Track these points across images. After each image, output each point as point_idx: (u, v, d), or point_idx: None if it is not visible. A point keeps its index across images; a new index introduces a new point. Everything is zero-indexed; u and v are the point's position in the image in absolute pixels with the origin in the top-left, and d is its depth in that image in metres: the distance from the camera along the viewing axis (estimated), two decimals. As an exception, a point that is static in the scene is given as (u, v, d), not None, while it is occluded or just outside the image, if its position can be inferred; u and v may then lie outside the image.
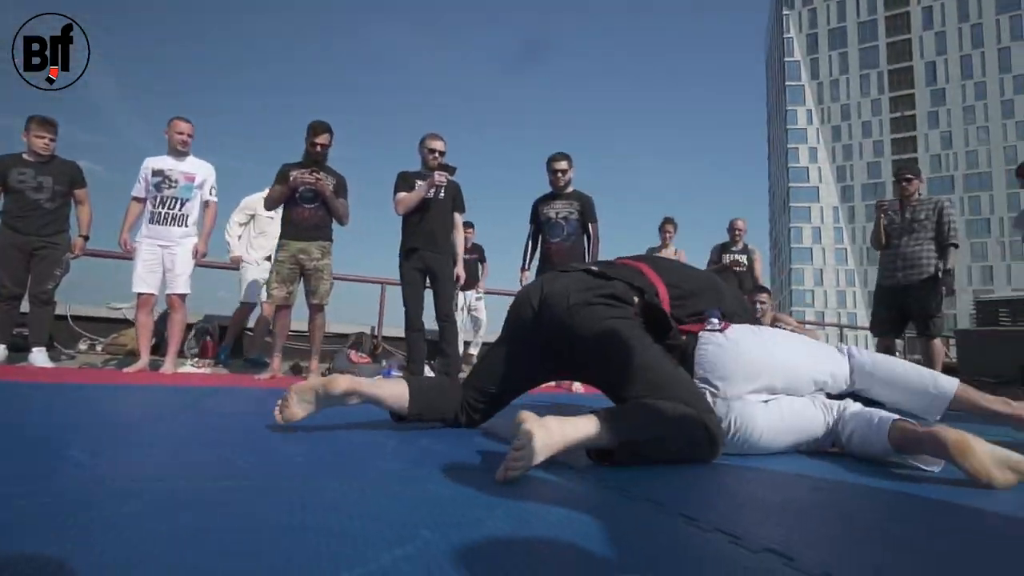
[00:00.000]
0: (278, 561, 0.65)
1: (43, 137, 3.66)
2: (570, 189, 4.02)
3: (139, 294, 3.63)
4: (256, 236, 4.77)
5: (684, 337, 1.57)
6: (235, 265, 4.80)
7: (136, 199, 3.69)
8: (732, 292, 1.90)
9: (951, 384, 1.48)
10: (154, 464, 1.17)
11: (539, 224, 4.06)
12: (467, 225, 5.77)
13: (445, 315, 3.82)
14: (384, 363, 4.29)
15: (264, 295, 4.41)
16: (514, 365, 1.65)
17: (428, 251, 3.80)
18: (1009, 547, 0.86)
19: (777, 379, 1.48)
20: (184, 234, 3.72)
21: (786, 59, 77.06)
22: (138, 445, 1.37)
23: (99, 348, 4.91)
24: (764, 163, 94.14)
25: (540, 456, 1.11)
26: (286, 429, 1.57)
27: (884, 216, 4.27)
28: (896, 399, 1.54)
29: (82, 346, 4.94)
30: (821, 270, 73.05)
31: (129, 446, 1.35)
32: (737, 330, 1.56)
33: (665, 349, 1.50)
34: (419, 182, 3.79)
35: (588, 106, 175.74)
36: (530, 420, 1.15)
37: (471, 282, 6.06)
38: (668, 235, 5.68)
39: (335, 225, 3.90)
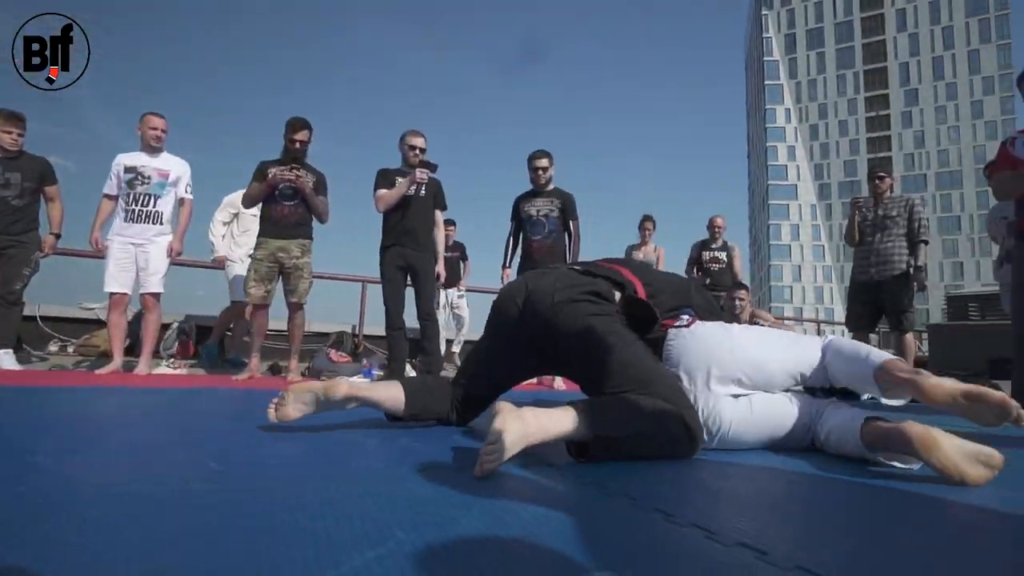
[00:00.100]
0: (246, 565, 0.64)
1: (10, 132, 3.56)
2: (551, 187, 4.03)
3: (111, 294, 3.55)
4: (240, 234, 4.68)
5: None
6: (219, 266, 4.71)
7: (108, 196, 3.60)
8: (701, 291, 1.92)
9: (880, 356, 1.45)
10: (123, 468, 1.14)
11: (520, 222, 4.06)
12: (448, 223, 5.75)
13: (426, 313, 3.80)
14: (364, 362, 4.25)
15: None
16: (498, 362, 1.67)
17: (409, 249, 3.77)
18: (977, 539, 0.88)
19: (742, 373, 1.49)
20: (158, 232, 3.65)
21: (765, 58, 78.10)
22: (107, 448, 1.34)
23: (70, 349, 4.79)
24: (744, 161, 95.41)
25: (515, 448, 1.11)
26: (266, 429, 1.55)
27: (858, 213, 4.37)
28: (842, 369, 1.51)
29: (53, 347, 4.82)
30: (799, 266, 74.33)
31: (98, 450, 1.32)
32: (705, 326, 1.58)
33: (646, 345, 1.51)
34: (400, 179, 3.76)
35: (568, 104, 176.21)
36: (506, 411, 1.15)
37: (453, 280, 6.04)
38: (647, 232, 5.73)
39: (315, 223, 3.85)
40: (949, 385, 1.29)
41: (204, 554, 0.67)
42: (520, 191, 4.16)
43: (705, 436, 1.45)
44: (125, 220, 3.58)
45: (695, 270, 5.75)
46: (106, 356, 4.12)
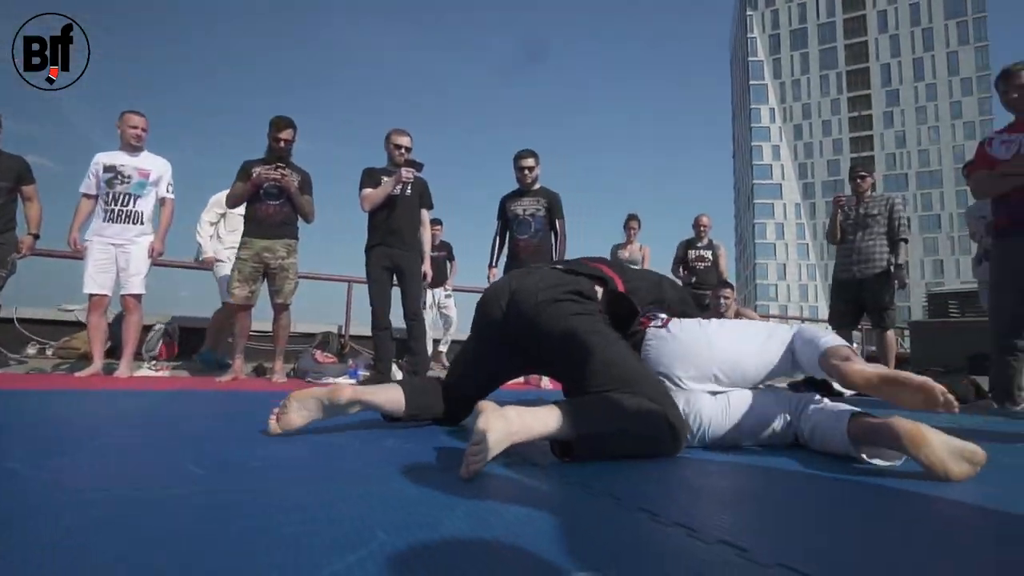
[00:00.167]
0: (221, 571, 0.63)
1: (-15, 131, 3.48)
2: (537, 186, 4.03)
3: (91, 295, 3.48)
4: (228, 234, 4.61)
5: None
6: (208, 266, 4.64)
7: (86, 196, 3.54)
8: (674, 286, 1.94)
9: (827, 343, 1.45)
10: (100, 473, 1.12)
11: (507, 221, 4.06)
12: (435, 222, 5.73)
13: (413, 313, 3.78)
14: (350, 362, 4.22)
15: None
16: (485, 362, 1.69)
17: (395, 248, 3.75)
18: (958, 535, 0.89)
19: (719, 370, 1.50)
20: (139, 232, 3.59)
21: (750, 59, 78.84)
22: (85, 453, 1.31)
23: (49, 352, 4.70)
24: (729, 160, 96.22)
25: (499, 447, 1.11)
26: (249, 431, 1.53)
27: (840, 211, 4.42)
28: (803, 358, 1.51)
29: (31, 350, 4.73)
30: (784, 265, 75.17)
31: (75, 455, 1.29)
32: (681, 324, 1.59)
33: (629, 344, 1.52)
34: (385, 178, 3.74)
35: (555, 103, 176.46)
36: (489, 411, 1.15)
37: (440, 280, 6.02)
38: (632, 231, 5.76)
39: (300, 223, 3.82)
40: (869, 371, 1.31)
41: (178, 561, 0.66)
42: (507, 190, 4.16)
43: (689, 434, 1.46)
44: (104, 220, 3.52)
45: (681, 268, 5.79)
46: (86, 359, 4.04)
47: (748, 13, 79.47)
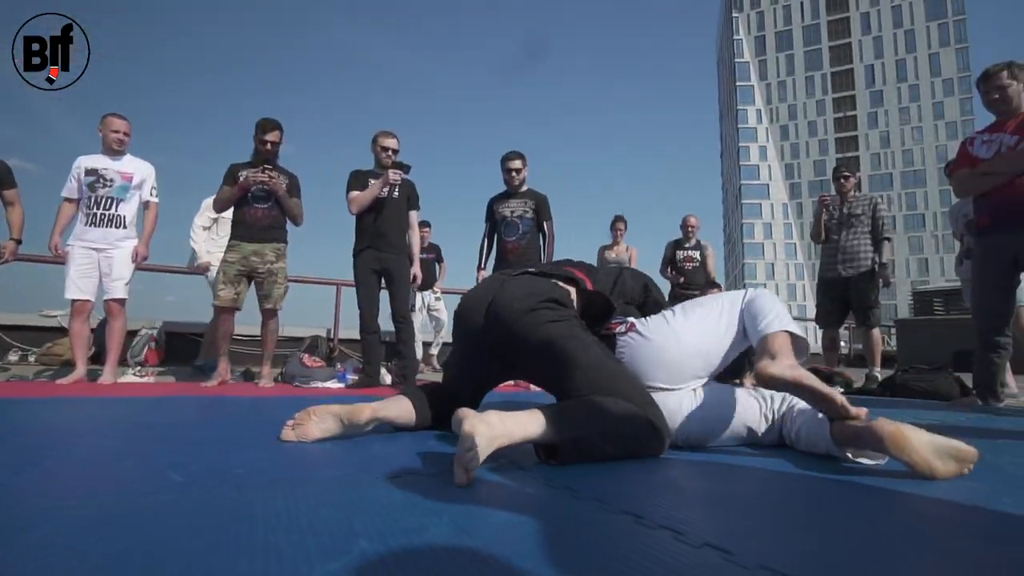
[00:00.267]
0: (200, 583, 0.61)
1: (-36, 135, 3.42)
2: (525, 188, 4.03)
3: (73, 300, 3.43)
4: (222, 238, 4.56)
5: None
6: (202, 271, 4.58)
7: (67, 200, 3.48)
8: (634, 276, 1.93)
9: (767, 328, 1.42)
10: (78, 482, 1.10)
11: (494, 223, 4.06)
12: (423, 224, 5.71)
13: (401, 316, 3.76)
14: (338, 366, 4.19)
15: None
16: (470, 370, 1.70)
17: (383, 251, 3.74)
18: (945, 534, 0.89)
19: (690, 362, 1.51)
20: (122, 236, 3.53)
21: (736, 60, 79.54)
22: (66, 462, 1.29)
23: (31, 359, 4.63)
24: (717, 161, 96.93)
25: (487, 451, 1.10)
26: (235, 437, 1.51)
27: (825, 211, 4.47)
28: (749, 330, 1.49)
29: (12, 357, 4.65)
30: (772, 264, 75.86)
31: (52, 464, 1.27)
32: (647, 324, 1.59)
33: (606, 346, 1.54)
34: (373, 180, 3.72)
35: (542, 104, 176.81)
36: (471, 416, 1.14)
37: (429, 282, 6.00)
38: (619, 232, 5.79)
39: (289, 226, 3.78)
40: (776, 373, 1.29)
41: (154, 571, 0.64)
42: (495, 192, 4.15)
43: (673, 436, 1.47)
44: (86, 224, 3.46)
45: (669, 269, 5.82)
46: (69, 365, 3.98)
47: (734, 15, 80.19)
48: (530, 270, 1.70)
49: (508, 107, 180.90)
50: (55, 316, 4.99)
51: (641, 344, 1.54)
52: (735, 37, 79.95)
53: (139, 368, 4.18)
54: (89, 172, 3.46)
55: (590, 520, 0.90)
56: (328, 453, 1.41)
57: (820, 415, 1.38)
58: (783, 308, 1.50)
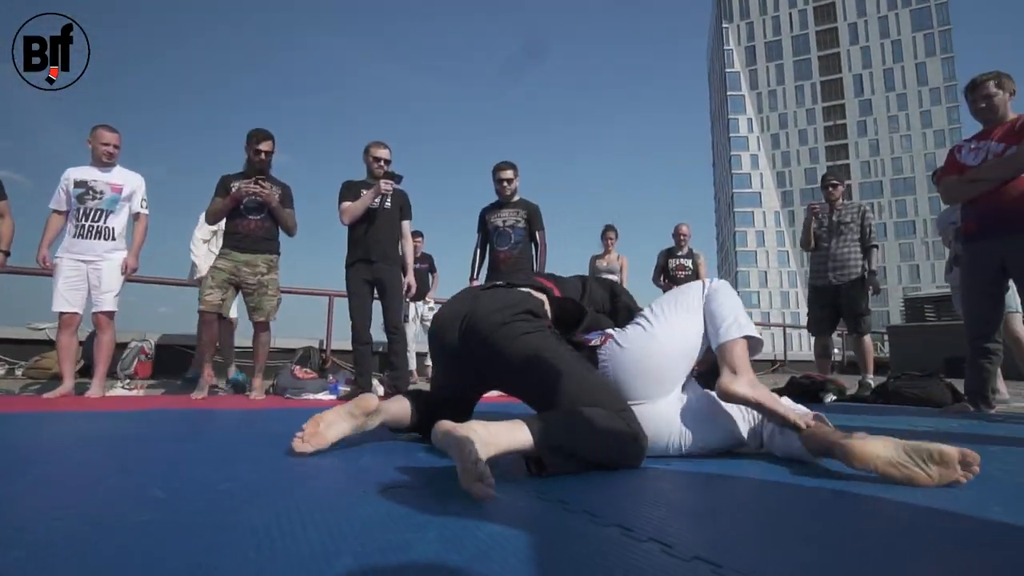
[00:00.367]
0: (175, 605, 0.60)
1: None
2: (517, 198, 4.04)
3: (61, 313, 3.39)
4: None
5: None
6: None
7: (56, 212, 3.44)
8: (599, 283, 1.94)
9: (725, 335, 1.44)
10: (57, 500, 1.07)
11: (487, 233, 4.06)
12: (416, 234, 5.71)
13: (394, 327, 3.75)
14: (330, 377, 4.16)
15: (232, 311, 4.14)
16: (450, 384, 1.71)
17: (375, 262, 3.73)
18: (935, 543, 0.89)
19: (673, 366, 1.50)
20: (110, 248, 3.50)
21: (727, 70, 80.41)
22: (43, 478, 1.26)
23: (19, 372, 4.57)
24: (709, 169, 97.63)
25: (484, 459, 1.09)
26: (224, 450, 1.49)
27: (814, 219, 4.51)
28: (710, 332, 1.52)
29: (-1, 371, 4.59)
30: (766, 272, 76.25)
31: (32, 480, 1.24)
32: (625, 334, 1.57)
33: (579, 353, 1.54)
34: (364, 191, 3.72)
35: (533, 113, 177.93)
36: (458, 427, 1.13)
37: (422, 292, 5.99)
38: (610, 241, 5.82)
39: (282, 237, 3.76)
40: (737, 391, 1.37)
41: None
42: (488, 202, 4.16)
43: (664, 445, 1.47)
44: (75, 236, 3.42)
45: (662, 277, 5.84)
46: (57, 379, 3.93)
47: (724, 25, 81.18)
48: (499, 283, 1.71)
49: (500, 117, 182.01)
50: (43, 329, 4.93)
51: (622, 355, 1.51)
52: (725, 47, 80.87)
53: (128, 381, 4.13)
54: (78, 184, 3.43)
55: (579, 533, 0.88)
56: (316, 466, 1.39)
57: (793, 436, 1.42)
58: (738, 303, 1.53)
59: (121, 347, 4.59)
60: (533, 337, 1.46)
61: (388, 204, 3.79)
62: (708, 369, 1.57)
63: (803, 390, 3.87)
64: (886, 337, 10.92)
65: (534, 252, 4.01)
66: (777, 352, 10.98)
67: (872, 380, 4.27)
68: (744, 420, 1.53)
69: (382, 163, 3.81)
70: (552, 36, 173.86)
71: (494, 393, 1.93)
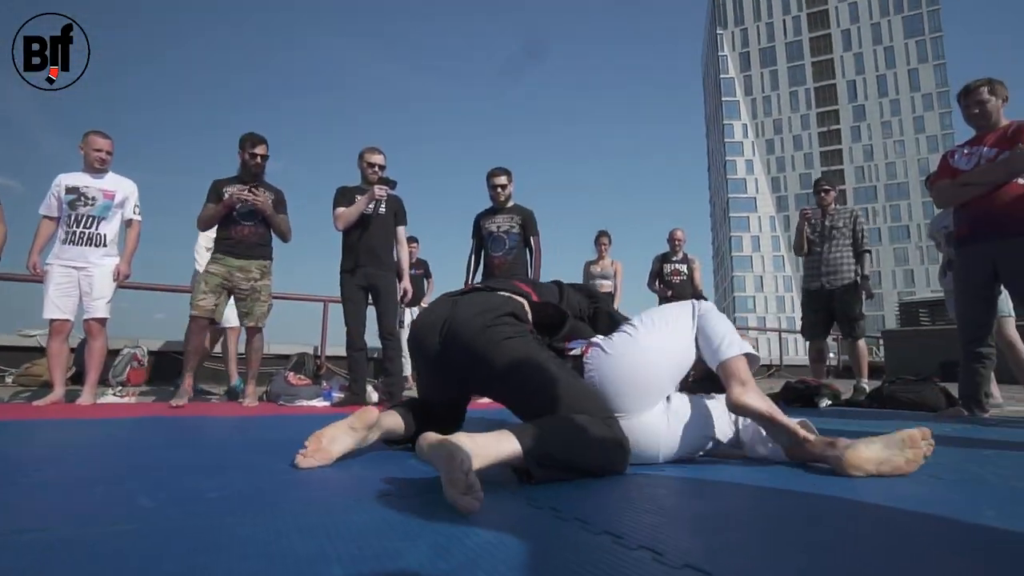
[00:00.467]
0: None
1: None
2: (511, 203, 4.04)
3: (51, 320, 3.36)
4: None
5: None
6: None
7: (47, 218, 3.41)
8: (575, 288, 1.93)
9: (727, 352, 1.45)
10: (40, 510, 1.06)
11: (481, 239, 4.05)
12: (411, 240, 5.70)
13: (388, 332, 3.73)
14: (324, 384, 4.14)
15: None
16: (437, 390, 1.69)
17: (370, 267, 3.72)
18: (930, 549, 0.88)
19: (668, 377, 1.50)
20: (102, 255, 3.46)
21: (721, 76, 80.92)
22: (31, 487, 1.24)
23: (9, 380, 4.53)
24: (704, 174, 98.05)
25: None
26: (214, 458, 1.48)
27: (807, 224, 4.53)
28: (705, 355, 1.52)
29: (-10, 378, 4.55)
30: (761, 277, 76.48)
31: (20, 489, 1.22)
32: (611, 341, 1.55)
33: (561, 359, 1.53)
34: (359, 197, 3.72)
35: (529, 117, 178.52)
36: (444, 440, 1.11)
37: (417, 297, 5.97)
38: (604, 247, 5.82)
39: (275, 242, 3.75)
40: (750, 405, 1.38)
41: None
42: (484, 207, 4.16)
43: (652, 455, 1.47)
44: (66, 243, 3.39)
45: (657, 282, 5.85)
46: (48, 386, 3.89)
47: (718, 32, 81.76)
48: (479, 287, 1.69)
49: (499, 117, 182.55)
50: (34, 336, 4.89)
51: (608, 362, 1.48)
52: (720, 53, 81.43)
53: (120, 388, 4.10)
54: (70, 190, 3.41)
55: (570, 541, 0.88)
56: (308, 474, 1.38)
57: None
58: (731, 326, 1.55)
59: (113, 354, 4.56)
60: (516, 342, 1.45)
61: (383, 210, 3.79)
62: (702, 376, 1.57)
63: (798, 394, 3.87)
64: (881, 341, 10.96)
65: (528, 258, 4.01)
66: (773, 357, 11.00)
67: (867, 384, 4.28)
68: (729, 423, 1.55)
69: (376, 169, 3.81)
70: (552, 36, 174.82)
71: (486, 399, 1.91)
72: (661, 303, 5.71)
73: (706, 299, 5.25)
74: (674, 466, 1.49)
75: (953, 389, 3.41)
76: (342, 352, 3.93)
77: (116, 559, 0.77)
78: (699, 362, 1.55)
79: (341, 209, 3.72)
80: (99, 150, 3.48)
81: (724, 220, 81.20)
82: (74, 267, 3.39)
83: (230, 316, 4.12)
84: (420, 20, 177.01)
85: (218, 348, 4.69)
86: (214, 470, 1.40)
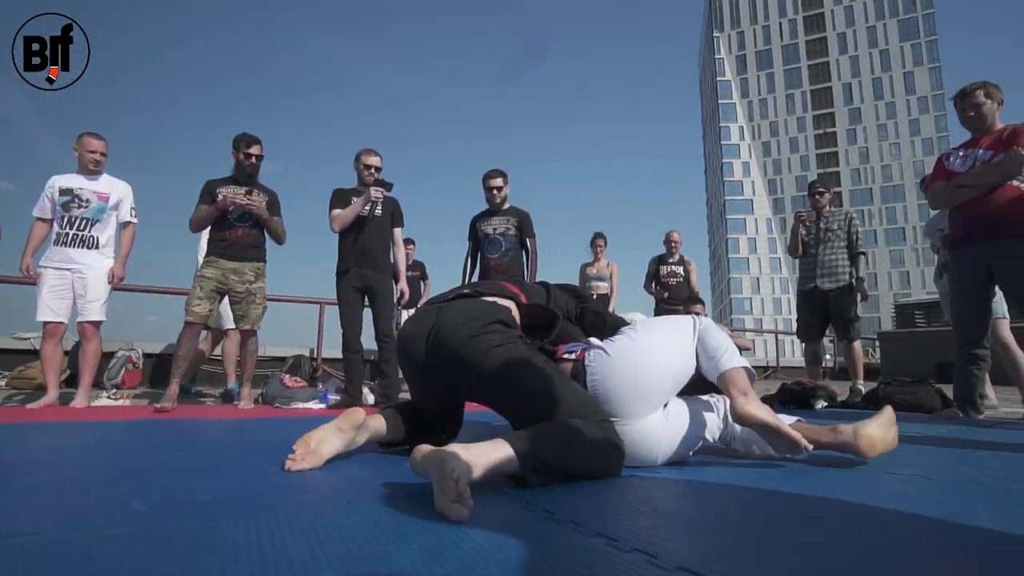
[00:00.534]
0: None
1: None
2: (507, 205, 4.04)
3: (45, 323, 3.34)
4: None
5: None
6: None
7: (40, 220, 3.39)
8: (562, 289, 1.93)
9: (728, 363, 1.48)
10: (34, 513, 1.05)
11: (477, 241, 4.05)
12: (407, 242, 5.69)
13: (384, 334, 3.72)
14: (320, 386, 4.12)
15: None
16: (427, 398, 1.67)
17: (365, 269, 3.71)
18: (922, 548, 0.88)
19: (672, 384, 1.51)
20: (96, 257, 3.44)
21: (718, 78, 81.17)
22: (22, 491, 1.23)
23: (2, 383, 4.50)
24: (701, 177, 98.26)
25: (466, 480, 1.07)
26: (207, 461, 1.47)
27: (802, 226, 4.54)
28: (704, 366, 1.53)
29: (-17, 381, 4.52)
30: (758, 279, 76.63)
31: (10, 493, 1.21)
32: (614, 343, 1.55)
33: (553, 360, 1.54)
34: (355, 198, 3.71)
35: (526, 119, 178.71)
36: (437, 451, 1.11)
37: (414, 299, 5.96)
38: (599, 249, 5.82)
39: (269, 244, 3.73)
40: (759, 415, 1.42)
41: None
42: (479, 210, 4.16)
43: (652, 459, 1.48)
44: (60, 245, 3.36)
45: (653, 284, 5.85)
46: (42, 389, 3.87)
47: (715, 34, 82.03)
48: (464, 292, 1.66)
49: (495, 121, 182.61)
50: (28, 339, 4.86)
51: (612, 365, 1.48)
52: (716, 56, 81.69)
53: (114, 391, 4.08)
54: (64, 192, 3.38)
55: (564, 544, 0.87)
56: (301, 477, 1.37)
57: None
58: (730, 340, 1.58)
59: (108, 356, 4.53)
60: (505, 349, 1.43)
61: (379, 211, 3.78)
62: (696, 378, 1.58)
63: (794, 396, 3.88)
64: (877, 343, 10.98)
65: (525, 259, 4.01)
66: (769, 358, 11.01)
67: (863, 386, 4.29)
68: (720, 421, 1.59)
69: (372, 171, 3.81)
70: (552, 36, 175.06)
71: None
72: (657, 304, 5.75)
73: (701, 301, 5.26)
74: (668, 468, 1.49)
75: (948, 390, 3.41)
76: (338, 354, 3.91)
77: (109, 562, 0.77)
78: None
79: (337, 211, 3.72)
80: (93, 152, 3.45)
81: (721, 222, 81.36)
82: (68, 269, 3.37)
83: (230, 318, 4.09)
84: (420, 20, 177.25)
85: (218, 350, 4.67)
86: (208, 473, 1.39)
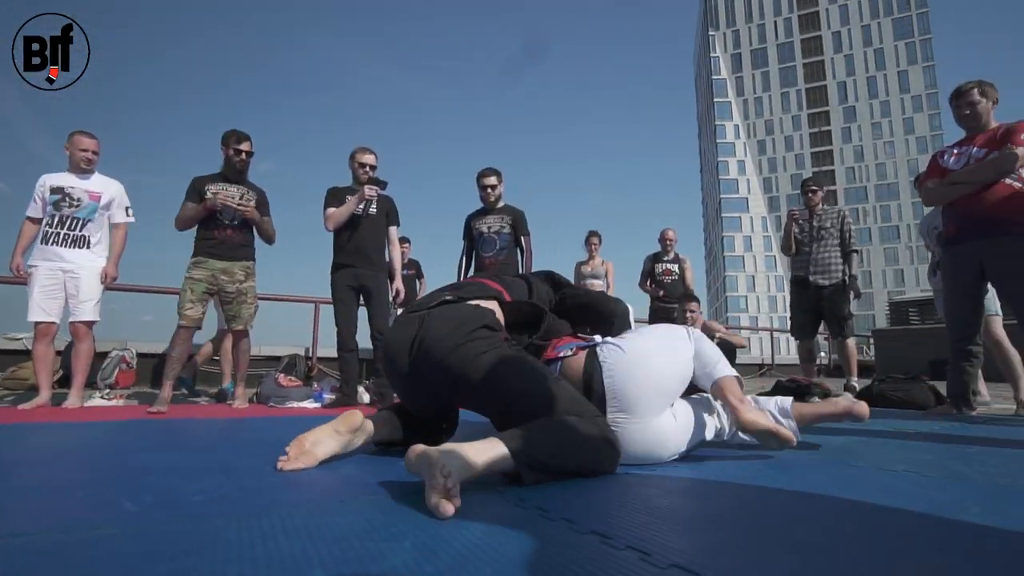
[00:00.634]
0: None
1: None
2: (501, 204, 4.03)
3: (36, 323, 3.31)
4: None
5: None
6: None
7: (31, 219, 3.35)
8: (544, 280, 1.95)
9: (722, 372, 1.54)
10: (27, 514, 1.04)
11: (472, 240, 4.04)
12: (403, 240, 5.69)
13: (379, 333, 3.71)
14: (315, 385, 4.11)
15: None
16: (414, 404, 1.66)
17: (360, 268, 3.70)
18: (915, 545, 0.88)
19: (675, 385, 1.54)
20: (88, 257, 3.40)
21: (713, 77, 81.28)
22: (12, 492, 1.22)
23: (-5, 383, 4.47)
24: (697, 175, 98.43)
25: (458, 479, 1.07)
26: (200, 461, 1.46)
27: (796, 224, 4.56)
28: (697, 374, 1.58)
29: (-25, 381, 4.48)
30: (753, 277, 76.84)
31: (1, 494, 1.20)
32: (626, 342, 1.57)
33: (539, 358, 1.55)
34: (349, 197, 3.70)
35: (529, 118, 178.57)
36: (430, 449, 1.11)
37: (409, 298, 5.95)
38: (594, 247, 5.82)
39: (259, 243, 3.70)
40: (760, 422, 1.50)
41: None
42: (473, 208, 4.15)
43: (658, 458, 1.50)
44: (50, 244, 3.32)
45: (649, 282, 5.86)
46: (35, 390, 3.84)
47: (710, 33, 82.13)
48: (447, 297, 1.64)
49: (495, 121, 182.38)
50: (20, 339, 4.83)
51: (625, 360, 1.50)
52: (712, 55, 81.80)
53: (108, 391, 4.05)
54: (55, 190, 3.34)
55: (557, 541, 0.87)
56: (294, 476, 1.37)
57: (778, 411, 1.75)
58: (719, 352, 1.64)
59: (101, 356, 4.51)
60: (491, 355, 1.43)
61: (373, 210, 3.77)
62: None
63: (789, 393, 3.87)
64: (871, 340, 11.03)
65: (520, 258, 4.01)
66: (764, 356, 11.04)
67: (857, 383, 4.31)
68: (715, 417, 1.66)
69: (367, 169, 3.79)
70: (552, 36, 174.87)
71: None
72: (653, 302, 5.76)
73: (696, 299, 5.28)
74: (663, 465, 1.50)
75: (942, 387, 3.43)
76: (334, 353, 3.90)
77: (102, 562, 0.76)
78: None
79: (331, 210, 3.70)
80: (85, 150, 3.41)
81: (716, 220, 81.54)
82: (60, 269, 3.33)
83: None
84: (420, 20, 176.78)
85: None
86: (201, 472, 1.39)
